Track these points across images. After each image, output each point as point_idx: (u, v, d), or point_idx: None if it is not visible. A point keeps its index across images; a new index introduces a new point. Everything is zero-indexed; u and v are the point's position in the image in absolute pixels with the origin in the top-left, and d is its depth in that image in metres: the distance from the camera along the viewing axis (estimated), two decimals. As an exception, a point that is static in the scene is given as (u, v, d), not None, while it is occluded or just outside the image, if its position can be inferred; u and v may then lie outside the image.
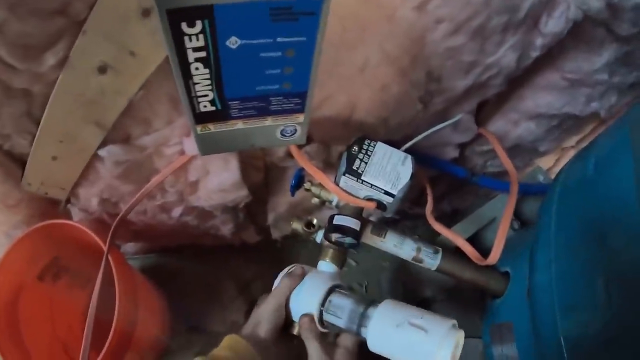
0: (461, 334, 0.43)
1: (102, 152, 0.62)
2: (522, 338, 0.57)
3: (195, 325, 0.91)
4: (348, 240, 0.58)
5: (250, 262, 0.95)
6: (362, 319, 0.47)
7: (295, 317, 0.54)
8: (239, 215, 0.80)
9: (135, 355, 0.75)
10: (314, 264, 0.60)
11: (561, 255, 0.53)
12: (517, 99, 0.65)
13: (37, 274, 0.79)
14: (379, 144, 0.58)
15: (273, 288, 0.58)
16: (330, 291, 0.52)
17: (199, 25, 0.35)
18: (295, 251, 0.98)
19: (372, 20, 0.49)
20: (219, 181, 0.68)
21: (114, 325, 0.65)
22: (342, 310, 0.49)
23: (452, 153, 0.71)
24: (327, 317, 0.50)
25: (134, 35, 0.47)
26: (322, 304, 0.51)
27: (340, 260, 0.60)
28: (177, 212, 0.76)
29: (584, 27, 0.54)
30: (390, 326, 0.45)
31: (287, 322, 0.55)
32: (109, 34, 0.47)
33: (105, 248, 0.68)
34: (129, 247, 0.92)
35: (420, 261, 0.63)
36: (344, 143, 0.68)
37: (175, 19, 0.34)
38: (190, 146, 0.62)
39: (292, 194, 0.67)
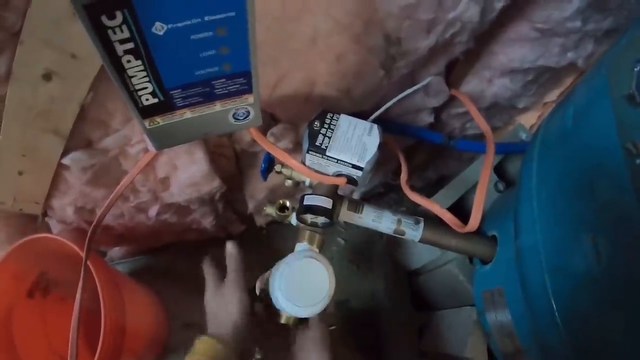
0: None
1: (66, 161, 0.61)
2: (514, 303, 0.56)
3: (190, 321, 0.90)
4: (321, 220, 0.56)
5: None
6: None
7: (278, 306, 0.54)
8: (217, 206, 0.79)
9: (131, 354, 0.75)
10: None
11: (545, 214, 0.50)
12: (488, 55, 0.62)
13: (26, 292, 0.79)
14: (343, 116, 0.56)
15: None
16: None
17: (119, 16, 0.33)
18: (282, 235, 0.96)
19: (314, -13, 0.46)
20: (188, 175, 0.66)
21: (102, 331, 0.65)
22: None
23: (427, 118, 0.68)
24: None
25: (71, 37, 0.46)
26: None
27: (319, 241, 0.59)
28: (153, 211, 0.74)
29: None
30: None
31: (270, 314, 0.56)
32: (46, 40, 0.46)
33: (83, 256, 0.67)
34: (115, 252, 0.91)
35: (402, 233, 0.61)
36: (307, 120, 0.66)
37: (94, 14, 0.32)
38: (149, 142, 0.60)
39: (264, 178, 0.65)
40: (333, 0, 0.47)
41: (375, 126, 0.55)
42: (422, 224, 0.60)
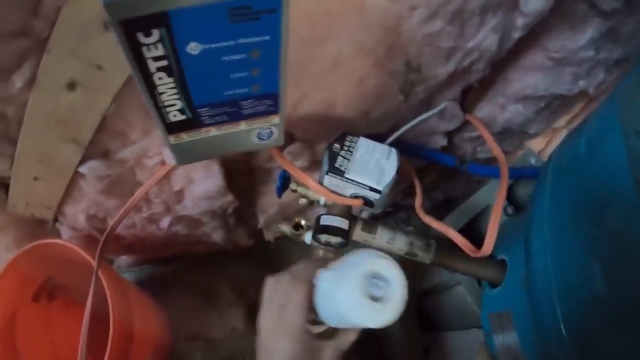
0: (378, 263, 0.35)
1: (82, 169, 0.61)
2: (523, 326, 0.56)
3: (194, 333, 0.90)
4: (336, 240, 0.56)
5: (246, 266, 0.94)
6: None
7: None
8: (228, 220, 0.79)
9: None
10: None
11: (556, 239, 0.51)
12: (503, 82, 0.63)
13: (32, 296, 0.78)
14: (362, 139, 0.57)
15: None
16: None
17: (156, 34, 0.33)
18: (290, 252, 0.97)
19: (341, 12, 0.47)
20: (203, 188, 0.67)
21: (109, 341, 0.64)
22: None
23: (441, 141, 0.70)
24: None
25: (99, 49, 0.46)
26: None
27: (331, 261, 0.59)
28: (165, 222, 0.75)
29: (566, 3, 0.52)
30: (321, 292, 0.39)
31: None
32: (73, 50, 0.46)
33: (94, 264, 0.67)
34: (122, 260, 0.91)
35: (414, 255, 0.61)
36: (326, 140, 0.66)
37: (130, 30, 0.32)
38: (169, 156, 0.61)
39: (279, 196, 0.66)
40: (360, 25, 0.48)
41: (394, 150, 0.56)
42: (433, 247, 0.61)
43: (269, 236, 0.91)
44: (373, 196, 0.55)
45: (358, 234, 0.60)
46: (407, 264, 0.84)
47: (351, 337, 0.41)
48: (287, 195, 0.67)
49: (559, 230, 0.51)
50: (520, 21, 0.53)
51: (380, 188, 0.54)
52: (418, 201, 0.61)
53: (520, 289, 0.56)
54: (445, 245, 0.62)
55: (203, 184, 0.66)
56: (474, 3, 0.49)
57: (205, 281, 0.92)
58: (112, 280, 0.69)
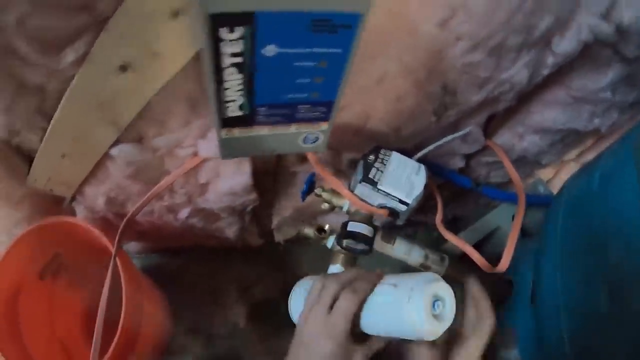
0: (440, 286, 0.38)
1: (114, 152, 0.62)
2: (525, 343, 0.59)
3: (194, 326, 0.90)
4: (360, 246, 0.59)
5: (252, 265, 0.96)
6: None
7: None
8: (245, 218, 0.81)
9: (138, 356, 0.75)
10: (316, 268, 0.61)
11: (567, 263, 0.55)
12: (525, 113, 0.67)
13: (38, 272, 0.78)
14: (394, 154, 0.60)
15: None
16: None
17: (239, 32, 0.36)
18: (297, 255, 0.99)
19: (395, 33, 0.50)
20: (229, 184, 0.68)
21: (120, 327, 0.65)
22: None
23: (459, 163, 0.73)
24: None
25: (160, 36, 0.46)
26: None
27: (352, 265, 0.62)
28: (184, 213, 0.76)
29: (592, 48, 0.56)
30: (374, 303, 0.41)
31: None
32: (133, 33, 0.46)
33: (113, 249, 0.67)
34: (131, 246, 0.91)
35: (428, 268, 0.64)
36: (354, 150, 0.69)
37: (216, 24, 0.35)
38: (205, 148, 0.62)
39: (303, 199, 0.68)
40: (408, 47, 0.52)
41: (423, 167, 0.59)
42: (447, 261, 0.64)
43: (279, 237, 0.92)
44: (400, 208, 0.58)
45: (378, 242, 0.63)
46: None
47: (380, 345, 0.43)
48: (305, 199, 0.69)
49: (569, 255, 0.55)
50: (550, 60, 0.57)
51: (409, 201, 0.56)
52: (439, 216, 0.64)
53: (526, 307, 0.59)
54: (456, 262, 0.65)
55: (230, 180, 0.68)
56: (512, 40, 0.53)
57: (211, 276, 0.93)
58: (128, 267, 0.70)
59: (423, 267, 0.64)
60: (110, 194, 0.71)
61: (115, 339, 0.64)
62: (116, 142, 0.60)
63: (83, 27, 0.45)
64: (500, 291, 0.65)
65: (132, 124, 0.58)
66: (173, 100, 0.56)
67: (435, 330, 0.37)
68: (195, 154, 0.65)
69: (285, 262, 0.98)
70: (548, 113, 0.66)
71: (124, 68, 0.49)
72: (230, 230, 0.82)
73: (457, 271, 0.63)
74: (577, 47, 0.55)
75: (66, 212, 0.77)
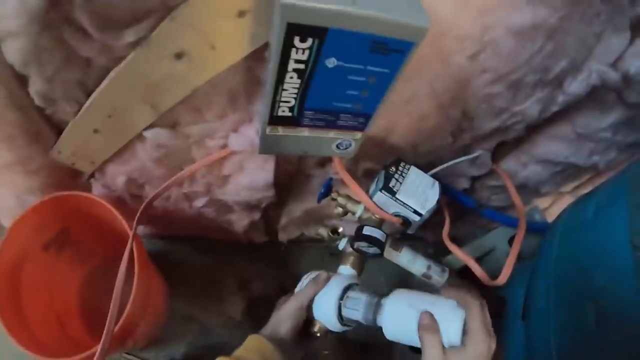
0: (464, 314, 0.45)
1: (147, 134, 0.63)
2: (515, 357, 0.64)
3: (191, 315, 0.92)
4: (373, 250, 0.63)
5: (254, 261, 0.98)
6: (377, 308, 0.51)
7: (318, 317, 0.58)
8: (256, 214, 0.84)
9: (136, 339, 0.76)
10: (316, 269, 0.64)
11: (558, 284, 0.60)
12: (531, 143, 0.73)
13: (43, 244, 0.79)
14: (413, 168, 0.64)
15: (296, 291, 0.62)
16: (347, 288, 0.56)
17: (309, 42, 0.40)
18: (298, 255, 1.02)
19: (431, 61, 0.55)
20: (251, 179, 0.72)
21: (127, 310, 0.65)
22: (358, 303, 0.53)
23: (464, 184, 0.78)
24: (345, 311, 0.55)
25: (221, 31, 0.49)
26: (341, 298, 0.55)
27: (360, 267, 0.65)
28: (200, 202, 0.78)
29: (599, 91, 0.62)
30: (403, 308, 0.48)
31: (306, 323, 0.59)
32: (197, 24, 0.48)
33: (130, 231, 0.69)
34: (138, 229, 0.92)
35: (429, 277, 0.69)
36: (371, 161, 0.74)
37: (292, 32, 0.39)
38: (236, 142, 0.66)
39: (319, 201, 0.72)
40: (439, 73, 0.57)
41: (437, 183, 0.64)
42: (447, 273, 0.69)
43: (282, 237, 0.96)
44: (414, 218, 0.62)
45: (386, 249, 0.67)
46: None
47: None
48: (315, 203, 0.72)
49: (561, 277, 0.60)
50: (560, 98, 0.64)
51: (423, 212, 0.61)
52: (446, 229, 0.69)
53: (517, 323, 0.64)
54: (455, 274, 0.70)
55: (252, 175, 0.71)
56: (530, 78, 0.59)
57: (211, 268, 0.95)
58: (141, 251, 0.71)
59: (425, 277, 0.69)
60: (132, 174, 0.73)
61: (121, 322, 0.64)
62: (151, 125, 0.62)
63: (149, 10, 0.47)
64: (493, 307, 0.69)
65: (171, 110, 0.60)
66: (215, 92, 0.59)
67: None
68: (224, 146, 0.68)
69: (285, 261, 1.01)
70: (552, 146, 0.72)
71: (179, 55, 0.51)
72: (239, 224, 0.85)
73: (455, 283, 0.68)
74: (586, 90, 0.61)
75: (81, 187, 0.78)
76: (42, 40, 0.47)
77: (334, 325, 0.56)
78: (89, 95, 0.58)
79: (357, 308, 0.53)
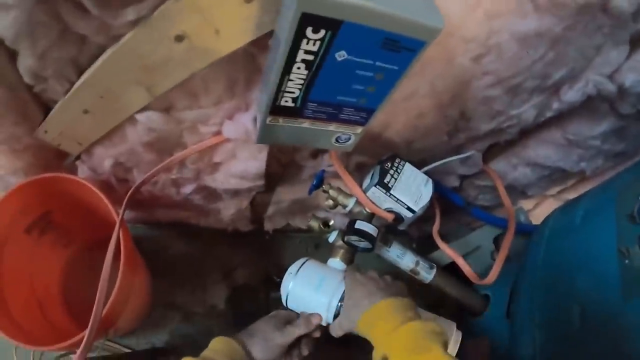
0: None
1: (140, 117, 0.61)
2: (497, 353, 0.66)
3: (174, 302, 0.91)
4: (364, 244, 0.63)
5: (238, 249, 0.97)
6: None
7: (309, 307, 0.59)
8: (244, 202, 0.83)
9: (119, 326, 0.74)
10: (299, 258, 0.64)
11: (544, 284, 0.62)
12: (522, 147, 0.74)
13: (26, 227, 0.76)
14: (407, 164, 0.65)
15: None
16: None
17: (321, 33, 0.39)
18: (283, 245, 1.02)
19: (434, 59, 0.55)
20: (242, 168, 0.70)
21: (111, 298, 0.63)
22: None
23: (454, 182, 0.79)
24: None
25: (227, 16, 0.47)
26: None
27: (350, 261, 0.66)
28: (188, 189, 0.77)
29: (594, 100, 0.64)
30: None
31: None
32: (201, 7, 0.46)
33: (117, 217, 0.67)
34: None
35: (417, 273, 0.70)
36: (365, 155, 0.74)
37: (304, 22, 0.38)
38: (230, 129, 0.64)
39: (310, 193, 0.71)
40: (441, 72, 0.57)
41: (431, 180, 0.64)
42: (435, 270, 0.70)
43: (268, 226, 0.95)
44: (407, 214, 0.62)
45: (376, 243, 0.68)
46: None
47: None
48: (303, 193, 0.72)
49: (547, 278, 0.62)
50: (556, 105, 0.65)
51: (416, 209, 0.61)
52: (436, 226, 0.70)
53: (501, 321, 0.66)
54: (442, 271, 0.71)
55: (244, 164, 0.70)
56: (529, 83, 0.60)
57: (195, 255, 0.94)
58: (126, 237, 0.69)
59: (412, 272, 0.70)
60: (120, 158, 0.71)
61: (105, 310, 0.62)
62: (144, 108, 0.60)
63: (154, -10, 0.44)
64: (478, 305, 0.71)
65: (166, 93, 0.58)
66: (214, 78, 0.57)
67: None
68: (217, 133, 0.66)
69: (269, 251, 1.00)
70: (542, 150, 0.73)
71: (180, 38, 0.49)
72: (227, 212, 0.84)
73: (442, 280, 0.69)
74: (581, 98, 0.62)
75: (66, 169, 0.75)
76: (36, 14, 0.45)
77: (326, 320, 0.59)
78: (81, 74, 0.55)
79: None
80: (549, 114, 0.66)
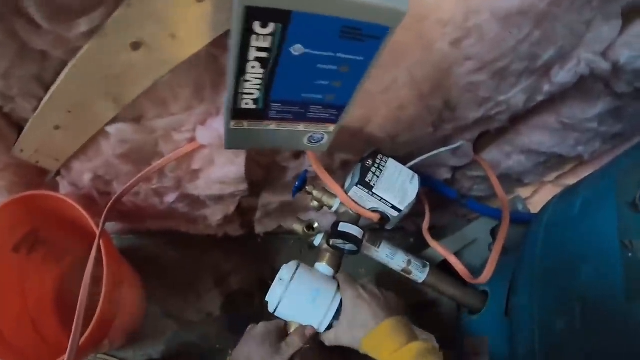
0: None
1: (110, 129, 0.60)
2: (497, 352, 0.63)
3: (168, 312, 0.89)
4: (349, 247, 0.60)
5: (230, 254, 0.95)
6: None
7: (302, 319, 0.57)
8: (230, 208, 0.81)
9: (112, 340, 0.73)
10: (293, 260, 0.62)
11: (544, 279, 0.58)
12: (514, 134, 0.70)
13: (13, 245, 0.76)
14: (390, 160, 0.61)
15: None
16: None
17: (271, 28, 0.36)
18: (276, 248, 0.99)
19: (411, 47, 0.52)
20: (222, 173, 0.68)
21: (98, 310, 0.62)
22: None
23: (446, 174, 0.76)
24: None
25: (181, 18, 0.45)
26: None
27: (337, 264, 0.63)
28: (170, 197, 0.75)
29: (587, 81, 0.60)
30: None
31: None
32: (153, 12, 0.44)
33: (97, 229, 0.66)
34: (109, 226, 0.89)
35: (409, 273, 0.66)
36: (348, 152, 0.70)
37: (251, 16, 0.35)
38: (204, 135, 0.62)
39: (294, 196, 0.69)
40: (420, 62, 0.53)
41: (416, 176, 0.61)
42: (428, 268, 0.67)
43: (259, 230, 0.93)
44: (392, 213, 0.59)
45: (363, 244, 0.65)
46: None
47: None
48: (289, 196, 0.70)
49: (547, 272, 0.58)
50: (547, 88, 0.61)
51: (401, 208, 0.58)
52: (426, 224, 0.66)
53: (499, 318, 0.63)
54: (436, 269, 0.68)
55: (223, 169, 0.67)
56: (516, 66, 0.56)
57: (187, 263, 0.92)
58: (110, 249, 0.68)
59: (404, 272, 0.66)
60: (98, 171, 0.70)
61: (93, 323, 0.61)
62: (114, 120, 0.59)
63: (102, -1, 0.42)
64: (475, 302, 0.68)
65: (134, 103, 0.57)
66: (180, 83, 0.56)
67: None
68: (191, 139, 0.64)
69: (262, 254, 0.98)
70: (536, 136, 0.69)
71: (137, 45, 0.48)
72: (214, 218, 0.82)
73: (436, 279, 0.66)
74: (574, 79, 0.58)
75: (48, 185, 0.74)
76: (-8, 34, 0.44)
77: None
78: (47, 90, 0.54)
79: None
80: (540, 98, 0.62)
